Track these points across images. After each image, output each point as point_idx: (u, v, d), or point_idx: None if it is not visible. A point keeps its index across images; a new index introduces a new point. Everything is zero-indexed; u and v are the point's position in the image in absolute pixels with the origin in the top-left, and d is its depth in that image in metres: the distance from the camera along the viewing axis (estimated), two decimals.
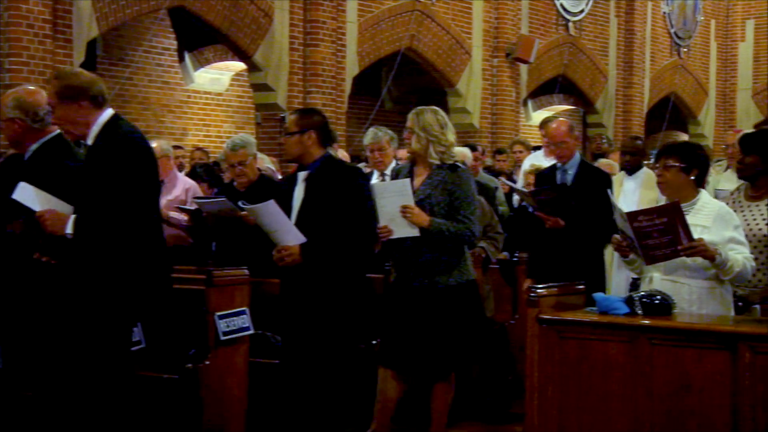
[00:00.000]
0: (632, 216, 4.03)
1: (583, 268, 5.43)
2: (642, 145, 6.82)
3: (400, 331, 4.82)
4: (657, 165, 4.32)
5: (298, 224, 4.70)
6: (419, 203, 4.70)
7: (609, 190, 5.02)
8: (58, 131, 4.33)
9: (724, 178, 7.58)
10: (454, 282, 4.77)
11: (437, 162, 4.77)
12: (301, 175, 4.82)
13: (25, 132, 4.38)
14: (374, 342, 5.78)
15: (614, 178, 6.59)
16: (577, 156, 5.88)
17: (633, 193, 6.41)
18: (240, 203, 5.51)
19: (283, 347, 4.91)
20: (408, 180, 4.76)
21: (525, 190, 5.47)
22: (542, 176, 6.11)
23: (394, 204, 4.67)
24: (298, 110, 5.13)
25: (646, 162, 7.06)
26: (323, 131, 4.82)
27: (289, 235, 4.69)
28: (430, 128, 4.75)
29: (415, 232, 4.69)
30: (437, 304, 4.75)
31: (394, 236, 4.71)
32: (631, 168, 6.68)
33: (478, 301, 4.93)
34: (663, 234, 3.99)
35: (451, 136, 4.82)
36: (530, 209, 5.91)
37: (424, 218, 4.67)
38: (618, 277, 6.29)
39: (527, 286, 5.61)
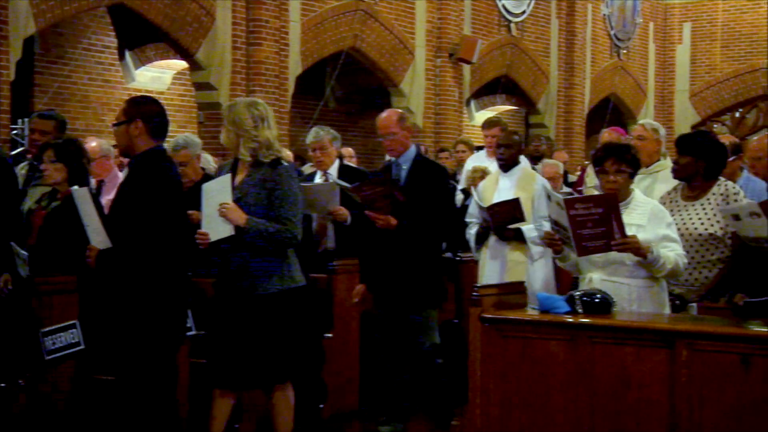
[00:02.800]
0: (569, 203, 4.09)
1: (418, 270, 5.19)
2: (519, 139, 6.25)
3: (221, 339, 4.50)
4: (602, 167, 4.35)
5: (107, 226, 4.43)
6: (237, 202, 4.38)
7: (544, 185, 5.06)
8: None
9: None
10: (273, 289, 4.41)
11: (248, 159, 4.44)
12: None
13: None
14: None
15: (489, 176, 6.42)
16: (413, 150, 5.43)
17: (508, 192, 5.91)
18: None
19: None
20: (228, 176, 4.46)
21: (348, 185, 5.05)
22: (377, 173, 5.67)
23: (216, 203, 4.38)
24: (130, 98, 4.77)
25: (587, 162, 7.04)
26: (154, 121, 4.45)
27: (96, 235, 4.43)
28: (240, 123, 4.42)
29: (230, 231, 4.36)
30: (254, 312, 4.41)
31: (213, 238, 4.37)
32: (506, 164, 6.08)
33: (301, 309, 4.55)
34: (597, 225, 4.06)
35: (268, 132, 4.44)
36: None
37: (241, 216, 4.35)
38: (490, 271, 5.96)
39: (357, 290, 5.46)
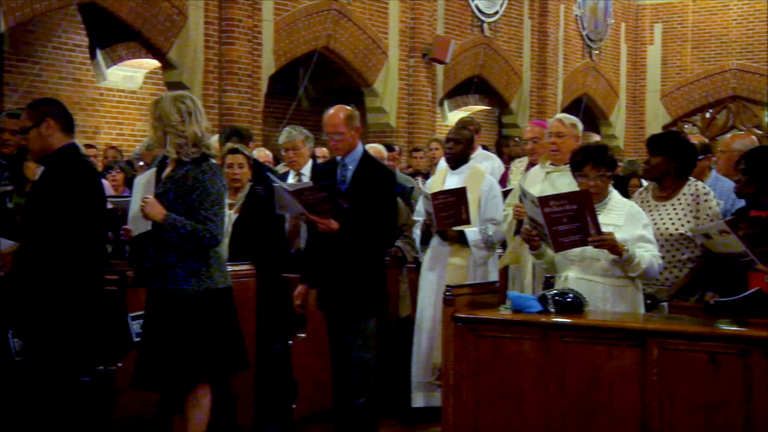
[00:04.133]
0: (544, 201, 4.12)
1: (359, 276, 4.94)
2: (470, 134, 5.99)
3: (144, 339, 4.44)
4: (582, 172, 4.37)
5: (21, 227, 4.36)
6: (157, 197, 4.32)
7: (519, 184, 5.04)
8: None
9: (530, 178, 5.80)
10: (190, 290, 4.29)
11: (174, 155, 4.34)
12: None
13: None
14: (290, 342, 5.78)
15: (437, 173, 6.24)
16: (360, 149, 5.08)
17: None
18: None
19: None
20: (153, 171, 4.38)
21: (290, 189, 4.86)
22: (319, 172, 5.31)
23: (140, 197, 4.29)
24: (28, 104, 4.63)
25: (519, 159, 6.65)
26: (61, 117, 4.40)
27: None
28: (166, 118, 4.31)
29: (147, 226, 4.27)
30: (167, 312, 4.31)
31: (135, 233, 4.31)
32: (455, 160, 5.89)
33: (221, 311, 4.40)
34: (572, 221, 4.09)
35: (195, 127, 4.33)
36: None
37: (159, 211, 4.25)
38: (430, 274, 5.81)
39: (298, 292, 5.22)
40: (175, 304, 4.30)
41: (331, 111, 5.04)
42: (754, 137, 6.56)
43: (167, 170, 4.41)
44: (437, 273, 5.77)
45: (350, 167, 5.02)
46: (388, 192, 5.05)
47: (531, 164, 6.13)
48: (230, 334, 4.44)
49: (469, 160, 5.96)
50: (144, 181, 4.38)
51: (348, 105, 5.10)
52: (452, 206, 5.53)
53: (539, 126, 6.25)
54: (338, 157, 5.07)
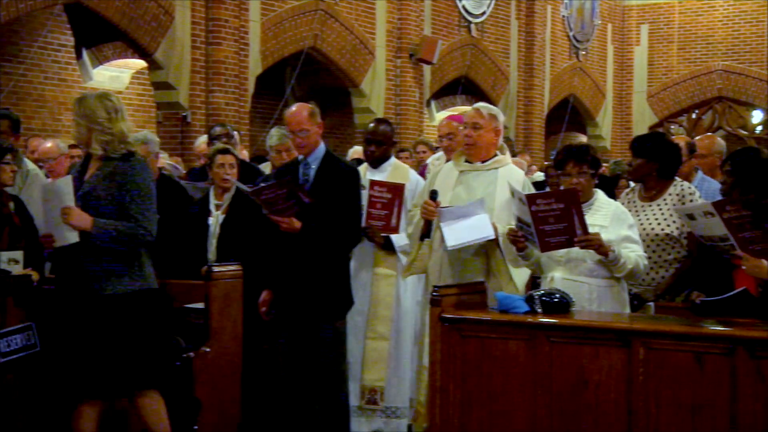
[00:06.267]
0: (531, 198, 4.12)
1: (324, 276, 4.78)
2: (391, 132, 5.69)
3: (66, 348, 4.26)
4: (564, 170, 4.38)
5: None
6: (83, 197, 4.20)
7: (508, 182, 4.80)
8: None
9: (440, 178, 5.25)
10: (122, 290, 4.18)
11: (100, 152, 4.25)
12: None
13: None
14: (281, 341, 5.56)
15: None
16: (322, 147, 4.93)
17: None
18: None
19: None
20: (69, 177, 4.24)
21: (248, 188, 4.68)
22: (281, 173, 5.10)
23: (58, 206, 4.14)
24: None
25: (548, 163, 6.58)
26: None
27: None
28: (92, 114, 4.23)
29: (74, 238, 4.13)
30: (102, 314, 4.17)
31: (58, 244, 4.17)
32: (376, 159, 5.57)
33: (155, 311, 4.29)
34: (559, 220, 4.09)
35: (122, 124, 4.26)
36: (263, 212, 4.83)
37: (85, 220, 4.13)
38: (357, 284, 5.34)
39: (263, 298, 4.98)
40: (109, 306, 4.17)
41: (294, 108, 4.92)
42: (718, 138, 6.56)
43: (91, 170, 4.30)
44: (361, 283, 5.41)
45: (313, 166, 4.87)
46: (352, 190, 4.90)
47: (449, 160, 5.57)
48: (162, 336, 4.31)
49: (391, 157, 5.64)
50: (56, 188, 4.22)
51: (309, 103, 4.96)
52: (385, 205, 5.29)
53: (456, 121, 5.73)
54: (300, 156, 4.94)
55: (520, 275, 4.77)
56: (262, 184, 4.86)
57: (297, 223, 4.69)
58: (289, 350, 4.87)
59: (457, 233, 4.63)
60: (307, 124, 4.84)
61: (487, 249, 4.78)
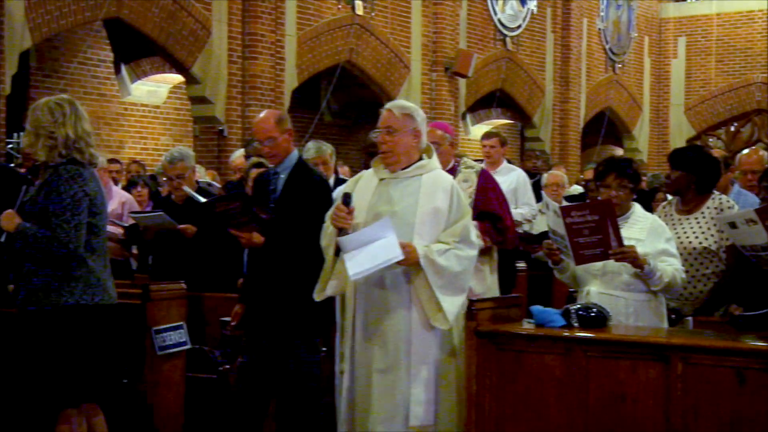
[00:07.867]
0: (566, 210, 4.10)
1: (293, 292, 4.43)
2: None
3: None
4: (604, 182, 4.33)
5: None
6: (21, 205, 4.12)
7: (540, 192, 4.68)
8: None
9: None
10: (48, 305, 4.00)
11: (43, 158, 4.11)
12: None
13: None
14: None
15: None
16: (294, 155, 4.65)
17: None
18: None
19: None
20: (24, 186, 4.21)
21: (201, 200, 4.48)
22: (259, 182, 4.81)
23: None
24: None
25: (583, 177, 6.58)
26: None
27: None
28: (38, 121, 4.11)
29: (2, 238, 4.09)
30: (25, 329, 4.05)
31: None
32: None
33: (84, 329, 4.04)
34: (594, 232, 4.06)
35: (69, 130, 4.11)
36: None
37: (11, 222, 4.05)
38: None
39: (235, 312, 4.77)
40: (31, 321, 4.03)
41: (261, 116, 4.68)
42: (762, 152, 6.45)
43: (40, 178, 4.20)
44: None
45: (282, 176, 4.60)
46: (322, 199, 4.50)
47: None
48: (95, 357, 4.10)
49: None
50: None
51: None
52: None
53: (441, 129, 5.30)
54: (271, 166, 4.71)
55: (453, 303, 4.06)
56: (214, 197, 4.68)
57: (258, 238, 4.47)
58: (248, 370, 4.59)
59: (360, 260, 3.95)
60: (274, 131, 4.56)
61: (410, 273, 4.09)
